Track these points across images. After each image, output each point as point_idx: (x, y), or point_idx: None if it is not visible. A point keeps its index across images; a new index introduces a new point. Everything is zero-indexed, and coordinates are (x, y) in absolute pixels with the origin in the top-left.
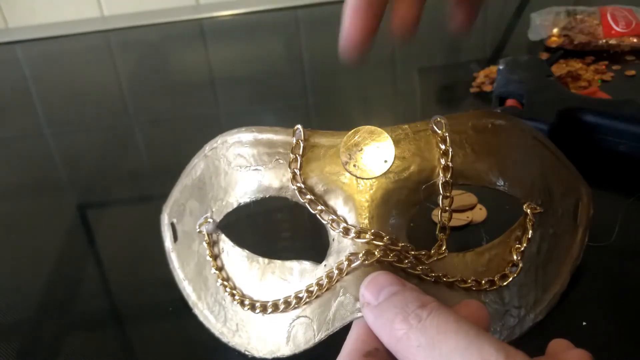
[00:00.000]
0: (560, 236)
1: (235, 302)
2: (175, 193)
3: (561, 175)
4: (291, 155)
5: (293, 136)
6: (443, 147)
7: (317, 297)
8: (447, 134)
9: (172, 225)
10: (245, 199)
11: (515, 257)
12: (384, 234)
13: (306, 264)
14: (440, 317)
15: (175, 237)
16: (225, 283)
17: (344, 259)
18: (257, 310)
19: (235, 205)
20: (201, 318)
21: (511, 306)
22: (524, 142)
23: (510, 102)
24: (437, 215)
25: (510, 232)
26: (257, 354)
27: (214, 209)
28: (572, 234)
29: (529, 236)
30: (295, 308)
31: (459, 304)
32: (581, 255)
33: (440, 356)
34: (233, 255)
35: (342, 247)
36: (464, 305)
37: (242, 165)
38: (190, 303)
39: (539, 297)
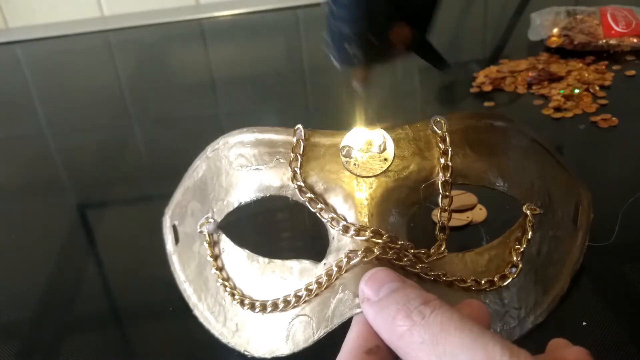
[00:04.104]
0: (560, 239)
1: (235, 302)
2: (177, 196)
3: (561, 177)
4: (292, 155)
5: (294, 136)
6: (442, 146)
7: (316, 295)
8: (446, 134)
9: (174, 228)
10: (246, 198)
11: (514, 258)
12: (383, 232)
13: (306, 263)
14: (444, 315)
15: (176, 240)
16: (226, 283)
17: (343, 257)
18: (257, 310)
19: (236, 204)
20: (201, 319)
21: (511, 307)
22: (523, 143)
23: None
24: (437, 215)
25: (510, 232)
26: (256, 354)
27: (215, 209)
28: (572, 237)
29: (529, 237)
30: (294, 307)
31: (461, 303)
32: (581, 259)
33: (444, 353)
34: (233, 255)
35: (342, 245)
36: (465, 305)
37: (243, 165)
38: (191, 305)
39: (539, 299)
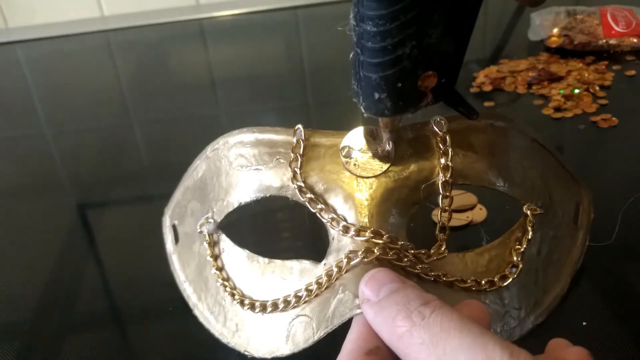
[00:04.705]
0: (561, 239)
1: (235, 302)
2: (177, 195)
3: (561, 177)
4: (292, 155)
5: (294, 136)
6: (443, 147)
7: (316, 295)
8: (446, 134)
9: (174, 227)
10: (246, 198)
11: (515, 258)
12: (383, 232)
13: (306, 263)
14: (444, 315)
15: (176, 239)
16: (226, 283)
17: (343, 257)
18: (257, 310)
19: (236, 204)
20: (201, 319)
21: (511, 307)
22: (523, 143)
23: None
24: (437, 215)
25: (510, 232)
26: (256, 354)
27: (214, 209)
28: (573, 237)
29: (529, 237)
30: (294, 307)
31: (461, 304)
32: (582, 258)
33: (444, 354)
34: (233, 255)
35: (342, 245)
36: (465, 305)
37: (243, 165)
38: (191, 304)
39: (539, 299)
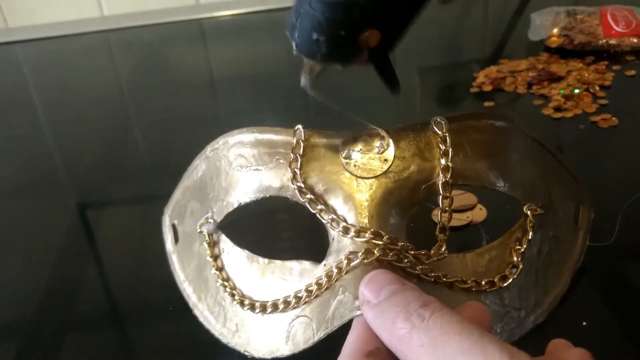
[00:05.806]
0: (561, 239)
1: (235, 303)
2: (177, 194)
3: (561, 177)
4: (291, 155)
5: (294, 136)
6: (443, 147)
7: (316, 296)
8: (447, 135)
9: (173, 227)
10: (245, 198)
11: (515, 259)
12: (383, 233)
13: (306, 264)
14: (444, 318)
15: (176, 239)
16: (226, 283)
17: (343, 258)
18: (257, 310)
19: (235, 205)
20: (201, 319)
21: (511, 308)
22: (524, 143)
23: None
24: (437, 215)
25: (511, 233)
26: (256, 354)
27: (214, 209)
28: (573, 237)
29: (529, 237)
30: (294, 308)
31: (461, 306)
32: (582, 258)
33: (444, 356)
34: (233, 255)
35: (342, 246)
36: (465, 307)
37: (243, 166)
38: (191, 304)
39: (540, 300)
